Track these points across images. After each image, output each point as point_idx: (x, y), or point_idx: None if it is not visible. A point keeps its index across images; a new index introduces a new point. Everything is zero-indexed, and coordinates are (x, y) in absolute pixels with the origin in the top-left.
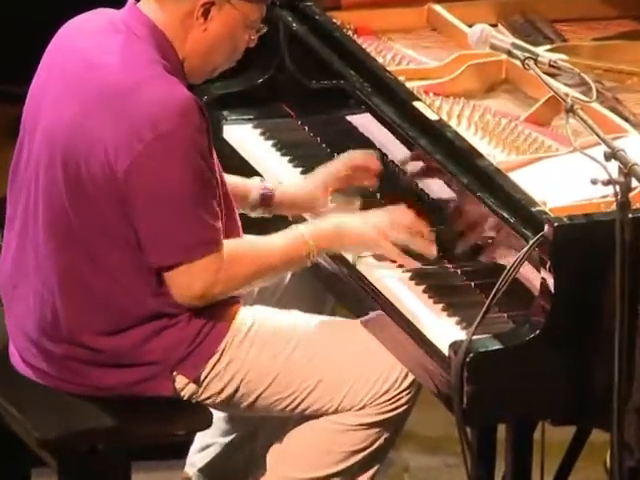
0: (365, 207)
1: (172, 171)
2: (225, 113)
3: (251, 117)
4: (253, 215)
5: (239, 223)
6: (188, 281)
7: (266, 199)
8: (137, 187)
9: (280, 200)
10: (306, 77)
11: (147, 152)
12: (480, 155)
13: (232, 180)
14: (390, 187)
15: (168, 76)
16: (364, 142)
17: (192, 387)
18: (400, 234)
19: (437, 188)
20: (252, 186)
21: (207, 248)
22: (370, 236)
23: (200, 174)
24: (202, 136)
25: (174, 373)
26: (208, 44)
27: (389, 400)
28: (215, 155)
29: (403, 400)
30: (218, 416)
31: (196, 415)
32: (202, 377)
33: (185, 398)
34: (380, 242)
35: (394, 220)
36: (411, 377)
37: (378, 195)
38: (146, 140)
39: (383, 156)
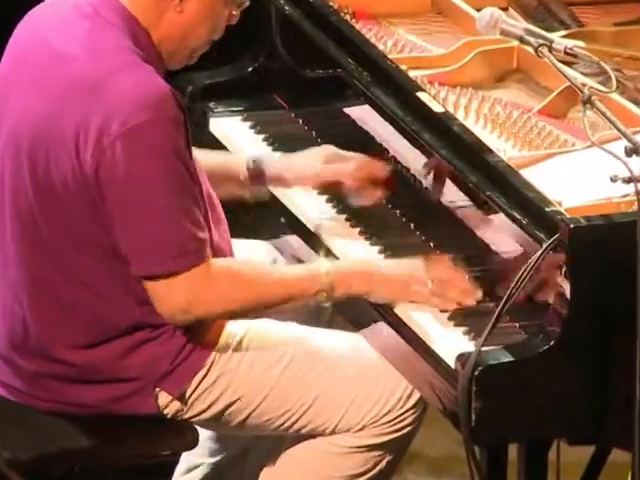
0: (412, 253)
1: (142, 170)
2: (212, 104)
3: (240, 109)
4: (248, 196)
5: (227, 229)
6: (169, 295)
7: (257, 171)
8: (106, 187)
9: (274, 168)
10: (300, 65)
11: (115, 148)
12: (489, 150)
13: (213, 160)
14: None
15: (142, 64)
16: (363, 136)
17: (176, 404)
18: (434, 285)
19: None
20: (238, 161)
21: (188, 260)
22: (402, 283)
23: (176, 174)
24: (178, 132)
25: (157, 390)
26: (185, 26)
27: (392, 421)
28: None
29: (407, 421)
30: (206, 435)
31: (181, 434)
32: (188, 393)
33: (169, 416)
34: (411, 290)
35: (431, 271)
36: (416, 395)
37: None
38: (114, 135)
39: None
